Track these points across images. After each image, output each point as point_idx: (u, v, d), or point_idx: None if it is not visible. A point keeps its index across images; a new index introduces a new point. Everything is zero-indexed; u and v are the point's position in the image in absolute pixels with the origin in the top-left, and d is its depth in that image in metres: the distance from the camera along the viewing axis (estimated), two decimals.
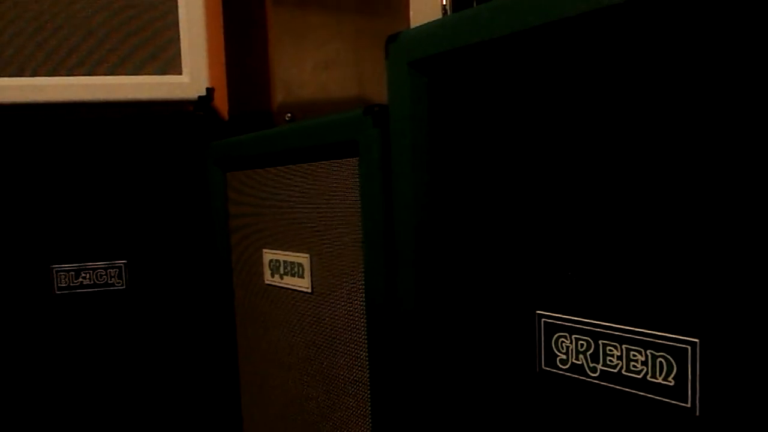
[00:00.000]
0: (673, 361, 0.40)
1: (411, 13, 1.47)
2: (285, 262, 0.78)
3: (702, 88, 0.38)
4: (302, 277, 0.74)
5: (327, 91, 1.52)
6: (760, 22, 0.35)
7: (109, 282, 0.96)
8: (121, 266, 0.96)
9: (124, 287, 0.96)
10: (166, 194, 0.98)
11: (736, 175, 0.36)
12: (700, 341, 0.39)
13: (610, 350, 0.43)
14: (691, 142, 0.38)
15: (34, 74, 0.90)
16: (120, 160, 0.96)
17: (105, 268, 0.96)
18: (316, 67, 1.52)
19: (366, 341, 0.65)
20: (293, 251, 0.76)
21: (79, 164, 0.95)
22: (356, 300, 0.66)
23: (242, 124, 1.32)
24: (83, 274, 0.95)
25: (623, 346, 0.43)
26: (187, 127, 0.96)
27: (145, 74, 0.92)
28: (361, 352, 0.66)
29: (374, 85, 1.50)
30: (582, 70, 0.44)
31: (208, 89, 0.95)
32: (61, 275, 0.94)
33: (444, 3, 1.09)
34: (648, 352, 0.41)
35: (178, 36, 0.94)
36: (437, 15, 1.18)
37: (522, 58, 0.48)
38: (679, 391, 0.40)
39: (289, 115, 1.53)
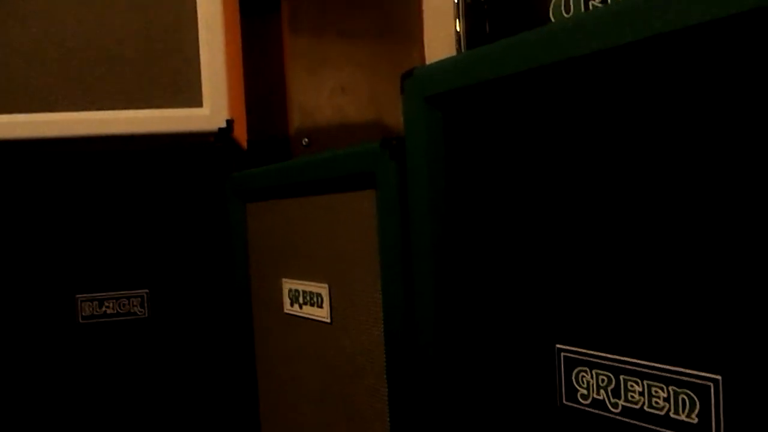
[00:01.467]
0: (696, 398, 0.40)
1: (425, 39, 1.49)
2: (304, 291, 0.78)
3: (718, 123, 0.38)
4: (321, 307, 0.75)
5: (344, 115, 1.55)
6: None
7: (132, 311, 0.97)
8: (143, 295, 0.98)
9: (146, 316, 0.98)
10: (187, 224, 1.00)
11: (762, 213, 0.36)
12: (722, 378, 0.38)
13: (632, 386, 0.43)
14: (713, 179, 0.38)
15: (56, 109, 0.93)
16: (142, 191, 0.99)
17: (128, 297, 0.97)
18: (333, 92, 1.55)
19: (385, 372, 0.65)
20: (312, 281, 0.77)
21: (103, 196, 0.98)
22: (375, 331, 0.67)
23: (260, 150, 1.35)
24: (106, 303, 0.97)
25: (645, 382, 0.42)
26: (207, 158, 0.99)
27: (167, 107, 0.95)
28: (380, 384, 0.66)
29: (390, 109, 1.52)
30: (595, 107, 0.45)
31: (227, 121, 0.97)
32: (85, 304, 0.96)
33: (458, 29, 1.11)
34: (670, 388, 0.41)
35: (199, 70, 0.96)
36: (451, 42, 1.19)
37: (535, 95, 0.49)
38: (702, 429, 0.39)
39: (306, 140, 1.55)
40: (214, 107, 0.96)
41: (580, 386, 0.46)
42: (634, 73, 0.42)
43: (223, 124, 0.96)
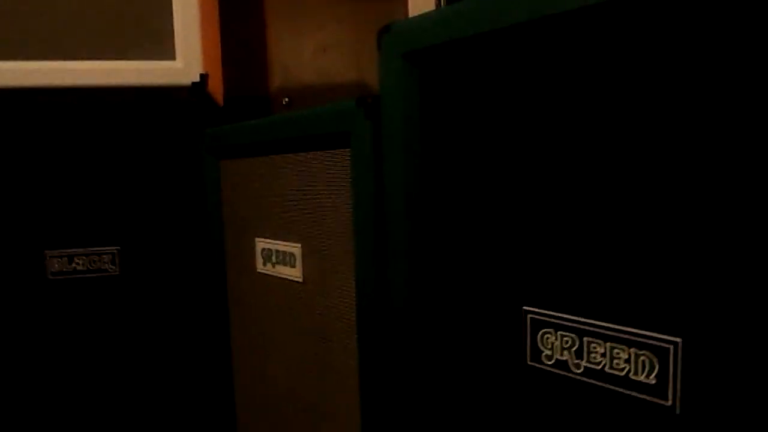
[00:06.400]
0: (655, 360, 0.40)
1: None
2: (277, 251, 0.78)
3: (687, 87, 0.37)
4: (294, 266, 0.75)
5: (325, 75, 1.51)
6: (757, 21, 0.34)
7: (103, 268, 0.96)
8: (114, 252, 0.96)
9: (117, 273, 0.96)
10: (159, 181, 0.98)
11: (719, 178, 0.36)
12: (682, 341, 0.39)
13: (594, 347, 0.44)
14: (679, 143, 0.38)
15: (21, 58, 0.89)
16: (114, 145, 0.96)
17: (98, 254, 0.96)
18: (315, 51, 1.51)
19: (356, 331, 0.66)
20: (285, 240, 0.76)
21: (73, 149, 0.95)
22: (347, 290, 0.67)
23: (238, 109, 1.32)
24: (76, 260, 0.95)
25: (607, 344, 0.43)
26: (180, 113, 0.96)
27: (137, 59, 0.91)
28: (351, 343, 0.67)
29: (373, 70, 1.49)
30: (576, 65, 0.44)
31: (202, 75, 0.94)
32: (54, 261, 0.94)
33: None
34: (631, 350, 0.42)
35: (172, 20, 0.93)
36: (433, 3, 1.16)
37: (515, 52, 0.48)
38: (660, 390, 0.40)
39: (286, 99, 1.52)
40: (187, 60, 0.92)
41: (544, 347, 0.47)
42: (614, 30, 0.41)
43: (197, 78, 0.93)
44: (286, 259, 0.76)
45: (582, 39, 0.43)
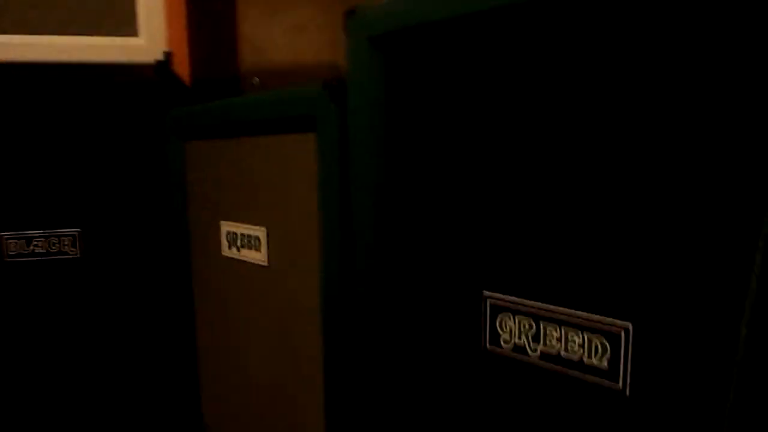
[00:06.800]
0: (607, 344, 0.41)
1: None
2: (242, 234, 0.77)
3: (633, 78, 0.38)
4: (259, 250, 0.74)
5: (299, 55, 1.48)
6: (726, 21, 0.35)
7: (62, 250, 0.93)
8: (74, 235, 0.94)
9: (78, 256, 0.94)
10: (122, 162, 0.95)
11: (669, 166, 0.37)
12: (633, 325, 0.40)
13: (550, 332, 0.45)
14: (630, 132, 0.39)
15: None
16: (74, 125, 0.93)
17: (58, 236, 0.93)
18: (288, 31, 1.48)
19: (320, 315, 0.66)
20: (251, 224, 0.75)
21: (30, 129, 0.92)
22: (312, 274, 0.66)
23: (206, 89, 1.28)
24: (35, 242, 0.92)
25: (563, 328, 0.44)
26: (144, 93, 0.93)
27: (98, 35, 0.88)
28: (315, 326, 0.67)
29: None
30: (542, 52, 0.44)
31: (166, 53, 0.91)
32: (10, 242, 0.91)
33: None
34: (585, 334, 0.43)
35: None
36: None
37: (478, 38, 0.48)
38: (612, 374, 0.41)
39: (257, 79, 1.48)
40: (150, 37, 0.90)
41: (502, 331, 0.48)
42: (584, 19, 0.42)
43: (161, 56, 0.90)
44: (251, 242, 0.75)
45: (545, 26, 0.43)
